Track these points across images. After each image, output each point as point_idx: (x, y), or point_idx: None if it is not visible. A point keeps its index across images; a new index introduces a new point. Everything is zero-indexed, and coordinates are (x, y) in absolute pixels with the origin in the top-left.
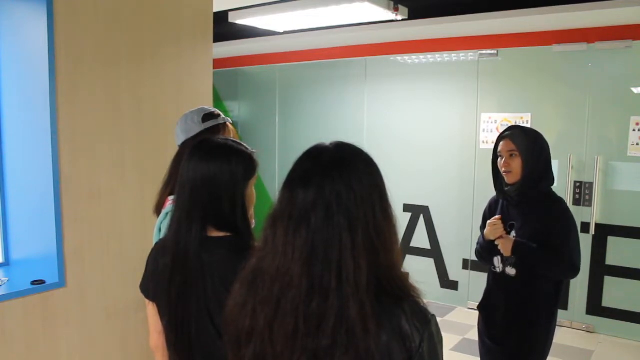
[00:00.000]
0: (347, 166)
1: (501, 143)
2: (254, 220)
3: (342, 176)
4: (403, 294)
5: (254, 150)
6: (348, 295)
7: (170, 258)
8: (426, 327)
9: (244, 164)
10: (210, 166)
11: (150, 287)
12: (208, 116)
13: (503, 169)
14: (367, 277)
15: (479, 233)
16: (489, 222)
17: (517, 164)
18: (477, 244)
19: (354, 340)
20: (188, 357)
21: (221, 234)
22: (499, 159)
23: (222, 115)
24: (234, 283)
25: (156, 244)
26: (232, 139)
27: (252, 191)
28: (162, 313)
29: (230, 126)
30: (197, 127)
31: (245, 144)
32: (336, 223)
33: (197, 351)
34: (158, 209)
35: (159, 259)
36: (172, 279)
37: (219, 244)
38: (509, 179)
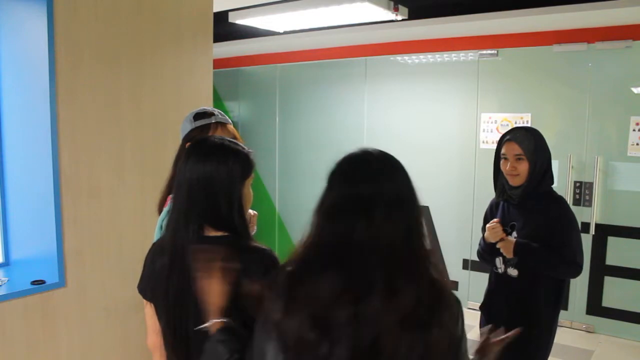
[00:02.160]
0: (399, 169)
1: (505, 145)
2: (255, 227)
3: (399, 177)
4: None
5: (250, 150)
6: (423, 286)
7: (168, 258)
8: (460, 312)
9: (241, 163)
10: (206, 166)
11: (148, 287)
12: (200, 115)
13: (509, 172)
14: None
15: (479, 233)
16: (487, 226)
17: (523, 168)
18: (479, 245)
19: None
20: (186, 358)
21: (219, 234)
22: (502, 161)
23: (218, 115)
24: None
25: (153, 244)
26: (228, 138)
27: (248, 191)
28: (160, 313)
29: (231, 127)
30: (189, 126)
31: (241, 144)
32: (399, 218)
33: (195, 352)
34: (160, 207)
35: (157, 259)
36: (169, 279)
37: (217, 243)
38: (514, 182)
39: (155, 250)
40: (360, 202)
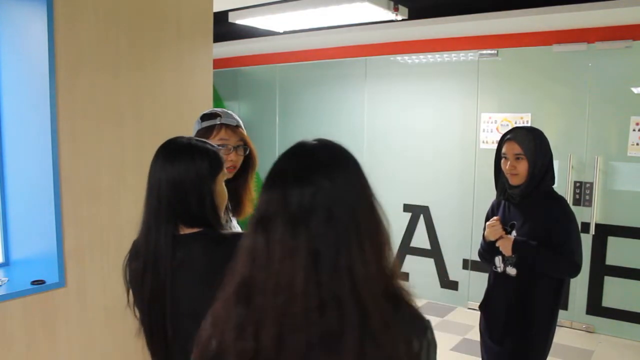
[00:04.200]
0: (343, 165)
1: (506, 145)
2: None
3: (341, 175)
4: (403, 299)
5: (219, 148)
6: (367, 303)
7: (142, 261)
8: (424, 335)
9: (209, 161)
10: (174, 166)
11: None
12: (206, 116)
13: (508, 172)
14: (378, 283)
15: (479, 233)
16: (487, 223)
17: (523, 167)
18: (480, 245)
19: (384, 352)
20: (164, 358)
21: (193, 230)
22: (503, 160)
23: (224, 117)
24: (218, 302)
25: (131, 246)
26: (196, 138)
27: (222, 188)
28: (139, 315)
29: (240, 130)
30: (197, 127)
31: (210, 143)
32: (341, 226)
33: (175, 352)
34: None
35: (132, 262)
36: (144, 281)
37: (192, 239)
38: (513, 181)
39: (131, 254)
40: (291, 207)
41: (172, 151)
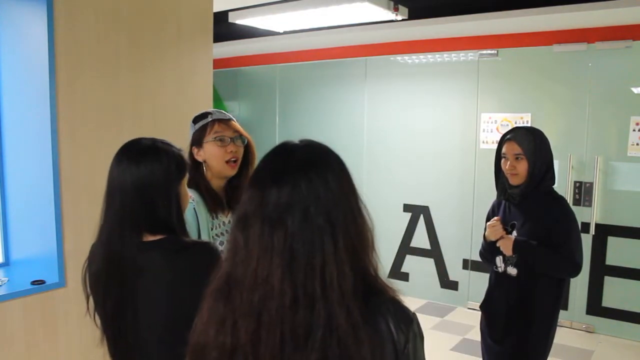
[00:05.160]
0: (323, 165)
1: (506, 145)
2: None
3: (319, 175)
4: (385, 295)
5: (181, 150)
6: (335, 303)
7: (104, 269)
8: (410, 327)
9: (175, 162)
10: (140, 168)
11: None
12: (198, 117)
13: (508, 171)
14: (352, 283)
15: (479, 233)
16: (488, 224)
17: (522, 167)
18: (481, 245)
19: (347, 352)
20: None
21: (157, 237)
22: (503, 160)
23: (215, 113)
24: (205, 297)
25: (90, 251)
26: (160, 139)
27: (185, 191)
28: (101, 323)
29: (233, 123)
30: (191, 130)
31: (173, 144)
32: (316, 225)
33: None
34: None
35: (92, 267)
36: (105, 289)
37: (155, 247)
38: (513, 181)
39: (90, 259)
40: (269, 206)
41: (137, 152)
